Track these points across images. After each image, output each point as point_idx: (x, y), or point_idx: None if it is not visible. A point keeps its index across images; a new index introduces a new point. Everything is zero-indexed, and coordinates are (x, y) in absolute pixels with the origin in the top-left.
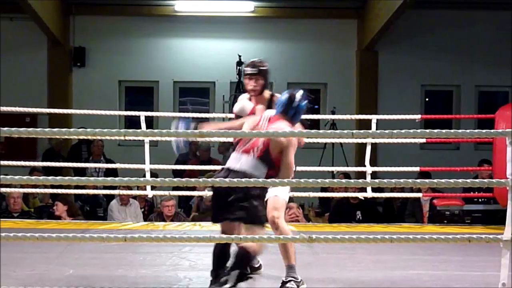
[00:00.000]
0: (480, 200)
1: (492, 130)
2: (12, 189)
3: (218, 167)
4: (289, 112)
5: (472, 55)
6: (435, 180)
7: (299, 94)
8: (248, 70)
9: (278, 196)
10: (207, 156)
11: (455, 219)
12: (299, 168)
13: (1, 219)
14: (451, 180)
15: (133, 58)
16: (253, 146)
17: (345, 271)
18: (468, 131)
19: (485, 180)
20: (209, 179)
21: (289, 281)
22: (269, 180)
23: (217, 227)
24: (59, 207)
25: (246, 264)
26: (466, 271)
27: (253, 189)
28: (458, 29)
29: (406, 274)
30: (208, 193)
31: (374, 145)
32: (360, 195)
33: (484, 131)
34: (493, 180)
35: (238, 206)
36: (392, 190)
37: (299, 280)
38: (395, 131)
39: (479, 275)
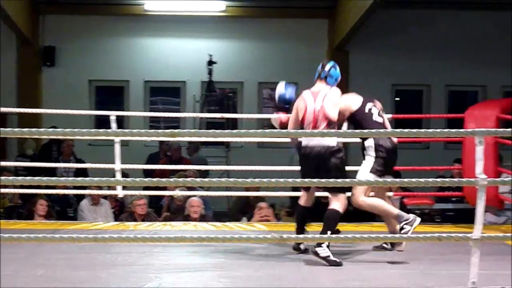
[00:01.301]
0: (452, 199)
1: (461, 130)
2: None
3: (189, 167)
4: (321, 75)
5: (442, 55)
6: (405, 180)
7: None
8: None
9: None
10: (178, 155)
11: (425, 218)
12: (269, 168)
13: None
14: (422, 180)
15: (103, 58)
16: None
17: (317, 270)
18: (438, 130)
19: (455, 179)
20: (180, 179)
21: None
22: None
23: (188, 227)
24: (42, 206)
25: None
26: (437, 270)
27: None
28: (429, 29)
29: (377, 272)
30: (179, 193)
31: (345, 144)
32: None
33: (453, 130)
34: (463, 179)
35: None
36: None
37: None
38: (365, 130)
39: (449, 274)
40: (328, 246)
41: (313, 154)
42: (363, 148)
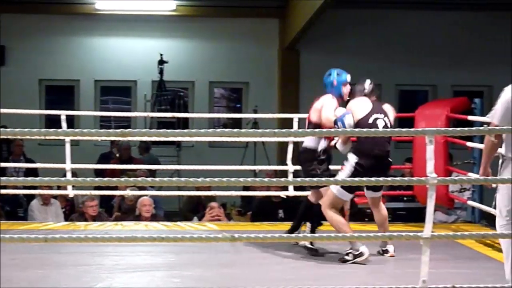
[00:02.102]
0: (403, 198)
1: (412, 129)
2: None
3: (141, 167)
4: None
5: (392, 54)
6: (356, 179)
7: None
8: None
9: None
10: (127, 154)
11: None
12: (221, 167)
13: None
14: (372, 179)
15: (53, 57)
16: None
17: (268, 270)
18: (388, 130)
19: (406, 178)
20: (131, 179)
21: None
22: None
23: (139, 226)
24: None
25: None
26: (387, 269)
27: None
28: (379, 29)
29: (329, 272)
30: (130, 192)
31: (296, 144)
32: (282, 194)
33: (404, 130)
34: (414, 178)
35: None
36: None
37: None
38: (316, 130)
39: (399, 273)
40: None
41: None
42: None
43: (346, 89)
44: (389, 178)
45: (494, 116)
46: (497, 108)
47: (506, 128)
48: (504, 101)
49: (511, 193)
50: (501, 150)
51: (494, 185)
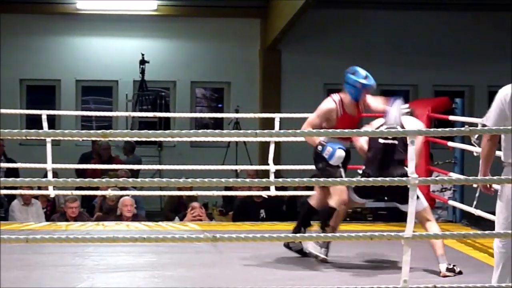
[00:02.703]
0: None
1: (394, 130)
2: None
3: (122, 166)
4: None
5: (373, 54)
6: (337, 179)
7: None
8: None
9: None
10: (107, 154)
11: (358, 216)
12: (202, 167)
13: None
14: (354, 179)
15: (34, 57)
16: None
17: (249, 270)
18: (369, 130)
19: (387, 179)
20: (113, 179)
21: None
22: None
23: (121, 226)
24: None
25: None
26: (369, 268)
27: None
28: (360, 29)
29: (310, 272)
30: (111, 192)
31: (277, 144)
32: (264, 194)
33: (385, 130)
34: (395, 178)
35: None
36: (296, 188)
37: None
38: (298, 130)
39: (381, 272)
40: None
41: None
42: None
43: (364, 95)
44: (370, 179)
45: (489, 118)
46: (491, 110)
47: (493, 128)
48: (498, 103)
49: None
50: (502, 156)
51: (493, 189)
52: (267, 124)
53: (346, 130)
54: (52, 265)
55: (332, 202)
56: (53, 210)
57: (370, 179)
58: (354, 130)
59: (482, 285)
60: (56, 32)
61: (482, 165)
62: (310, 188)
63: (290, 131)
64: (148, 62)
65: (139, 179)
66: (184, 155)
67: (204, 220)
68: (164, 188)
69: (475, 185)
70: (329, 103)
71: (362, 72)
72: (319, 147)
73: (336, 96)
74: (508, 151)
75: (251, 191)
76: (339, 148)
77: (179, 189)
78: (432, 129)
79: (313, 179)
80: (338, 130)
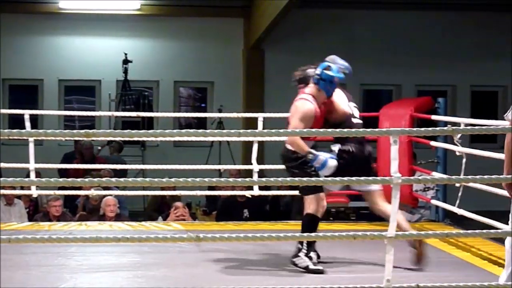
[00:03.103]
0: None
1: (376, 129)
2: None
3: (104, 166)
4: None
5: (356, 54)
6: (321, 178)
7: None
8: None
9: None
10: (90, 154)
11: (341, 216)
12: (185, 167)
13: None
14: (337, 178)
15: (17, 56)
16: None
17: (233, 270)
18: (353, 130)
19: (370, 178)
20: (96, 179)
21: None
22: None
23: (104, 226)
24: None
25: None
26: (352, 268)
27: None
28: (343, 28)
29: (293, 272)
30: (94, 192)
31: (261, 143)
32: (247, 193)
33: (368, 130)
34: (378, 177)
35: None
36: (279, 188)
37: None
38: (281, 130)
39: (364, 272)
40: (307, 255)
41: None
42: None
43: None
44: (353, 178)
45: (510, 114)
46: None
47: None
48: None
49: None
50: None
51: None
52: (251, 123)
53: (330, 130)
54: (35, 265)
55: (310, 209)
56: (36, 210)
57: (353, 178)
58: (338, 130)
59: (464, 284)
60: (38, 31)
61: (506, 160)
62: (294, 188)
63: (273, 130)
64: (131, 62)
65: (122, 179)
66: (168, 154)
67: (187, 220)
68: (147, 188)
69: (457, 184)
70: (307, 104)
71: (335, 66)
72: (310, 156)
73: (307, 96)
74: None
75: (235, 190)
76: (331, 158)
77: (163, 188)
78: (415, 129)
79: (296, 179)
80: (321, 130)
